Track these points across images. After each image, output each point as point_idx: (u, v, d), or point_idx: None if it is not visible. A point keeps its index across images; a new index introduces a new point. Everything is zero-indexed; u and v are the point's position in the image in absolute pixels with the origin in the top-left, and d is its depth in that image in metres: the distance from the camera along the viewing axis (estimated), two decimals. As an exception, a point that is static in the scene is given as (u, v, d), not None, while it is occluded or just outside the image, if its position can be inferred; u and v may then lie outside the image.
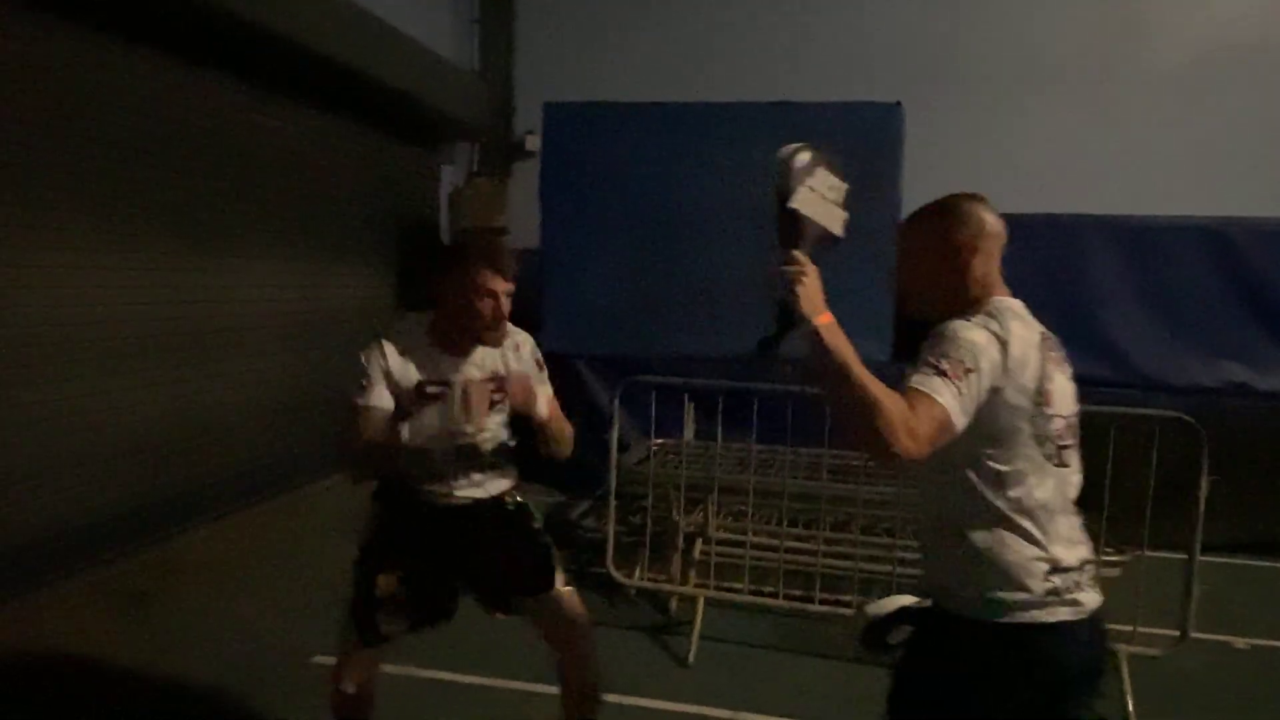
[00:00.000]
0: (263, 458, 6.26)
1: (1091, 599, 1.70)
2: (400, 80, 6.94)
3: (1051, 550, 1.66)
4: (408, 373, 2.40)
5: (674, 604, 4.37)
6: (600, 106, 7.00)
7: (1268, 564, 5.66)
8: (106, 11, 4.61)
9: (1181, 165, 7.68)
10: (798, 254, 1.66)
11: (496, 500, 2.56)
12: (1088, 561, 1.73)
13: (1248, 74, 7.81)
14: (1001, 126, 8.11)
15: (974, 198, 1.83)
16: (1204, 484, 3.45)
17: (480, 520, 2.51)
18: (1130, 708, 3.43)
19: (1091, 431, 3.90)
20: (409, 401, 2.38)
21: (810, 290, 1.63)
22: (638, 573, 4.41)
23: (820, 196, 1.72)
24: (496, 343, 2.46)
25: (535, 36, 9.20)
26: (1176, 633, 3.55)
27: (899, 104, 6.51)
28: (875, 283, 6.46)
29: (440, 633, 2.65)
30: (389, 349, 2.40)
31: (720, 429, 4.32)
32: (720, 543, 4.64)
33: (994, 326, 1.65)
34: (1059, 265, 6.41)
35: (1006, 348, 1.63)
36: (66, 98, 4.51)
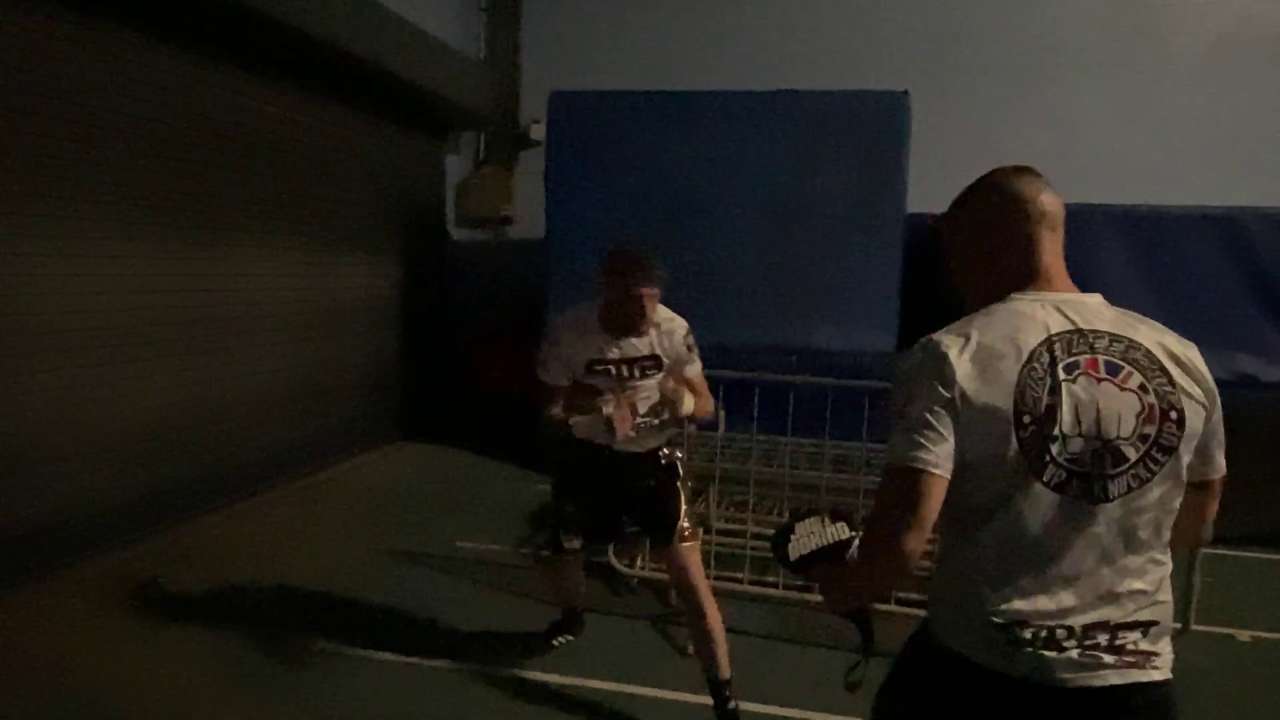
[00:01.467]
0: (272, 445, 6.31)
1: (1085, 676, 1.36)
2: (407, 69, 6.94)
3: (1015, 596, 1.37)
4: (578, 353, 3.03)
5: (674, 594, 4.37)
6: (606, 95, 6.98)
7: (1272, 556, 5.63)
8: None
9: (1197, 155, 7.62)
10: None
11: (653, 453, 3.17)
12: (1119, 632, 1.36)
13: (1265, 63, 7.72)
14: (1011, 115, 8.05)
15: (1014, 171, 1.53)
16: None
17: (638, 468, 3.15)
18: (1130, 699, 3.42)
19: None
20: (581, 375, 3.05)
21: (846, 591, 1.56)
22: (639, 562, 4.43)
23: (810, 533, 1.64)
24: (643, 333, 3.01)
25: (541, 25, 9.18)
26: (1178, 625, 3.54)
27: (906, 92, 6.45)
28: (881, 274, 6.45)
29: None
30: (563, 333, 3.07)
31: (722, 419, 4.33)
32: (722, 533, 4.65)
33: (944, 340, 1.40)
34: (1067, 256, 6.35)
35: (947, 365, 1.36)
36: (76, 87, 4.53)
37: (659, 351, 3.05)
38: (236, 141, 5.86)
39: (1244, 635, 4.29)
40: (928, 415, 1.35)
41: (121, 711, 3.23)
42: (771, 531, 1.82)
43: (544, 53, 9.14)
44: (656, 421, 3.06)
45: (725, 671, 3.10)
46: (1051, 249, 1.49)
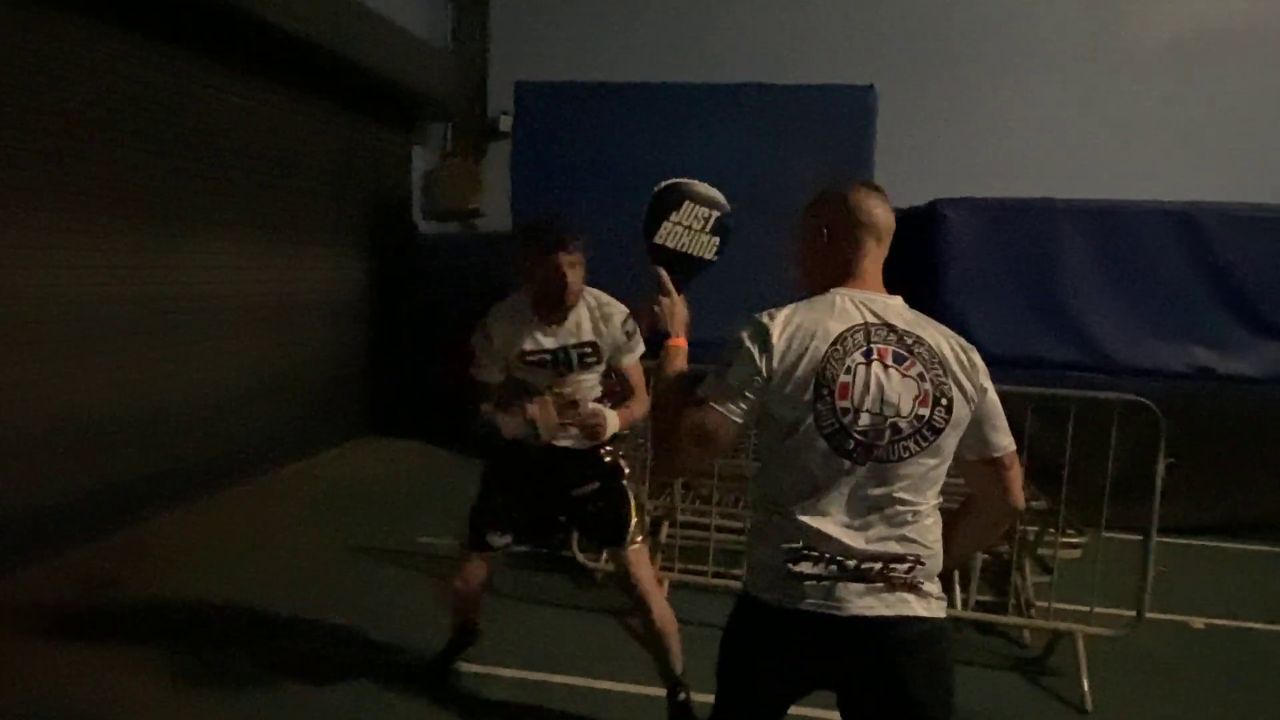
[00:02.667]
0: (233, 440, 6.21)
1: (862, 604, 1.64)
2: (372, 58, 6.85)
3: (815, 541, 1.64)
4: (511, 345, 2.89)
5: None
6: (573, 87, 6.93)
7: (1225, 545, 5.76)
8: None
9: (1158, 150, 7.74)
10: (664, 279, 1.98)
11: (594, 453, 2.97)
12: (890, 565, 1.65)
13: (1226, 59, 7.86)
14: (976, 110, 8.13)
15: (861, 186, 1.79)
16: (1160, 466, 3.49)
17: (578, 466, 2.95)
18: (1086, 688, 3.47)
19: (1053, 415, 3.99)
20: (516, 370, 2.92)
21: (671, 313, 1.96)
22: (604, 557, 4.41)
23: (686, 228, 2.01)
24: (571, 305, 2.86)
25: (510, 15, 9.10)
26: (1133, 613, 3.60)
27: (872, 87, 6.49)
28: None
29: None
30: (494, 325, 2.92)
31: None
32: (686, 526, 4.65)
33: (768, 317, 1.67)
34: (1028, 248, 6.44)
35: (768, 339, 1.64)
36: (30, 76, 4.42)
37: (595, 338, 2.90)
38: (196, 132, 5.74)
39: (1198, 622, 4.37)
40: (741, 372, 1.65)
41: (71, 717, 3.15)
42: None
43: (512, 43, 9.06)
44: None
45: (678, 666, 3.07)
46: (874, 255, 1.77)
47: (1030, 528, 4.16)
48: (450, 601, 3.30)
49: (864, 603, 1.64)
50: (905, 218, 8.40)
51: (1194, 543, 5.63)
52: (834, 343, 1.63)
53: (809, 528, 1.65)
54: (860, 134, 6.44)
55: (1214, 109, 7.81)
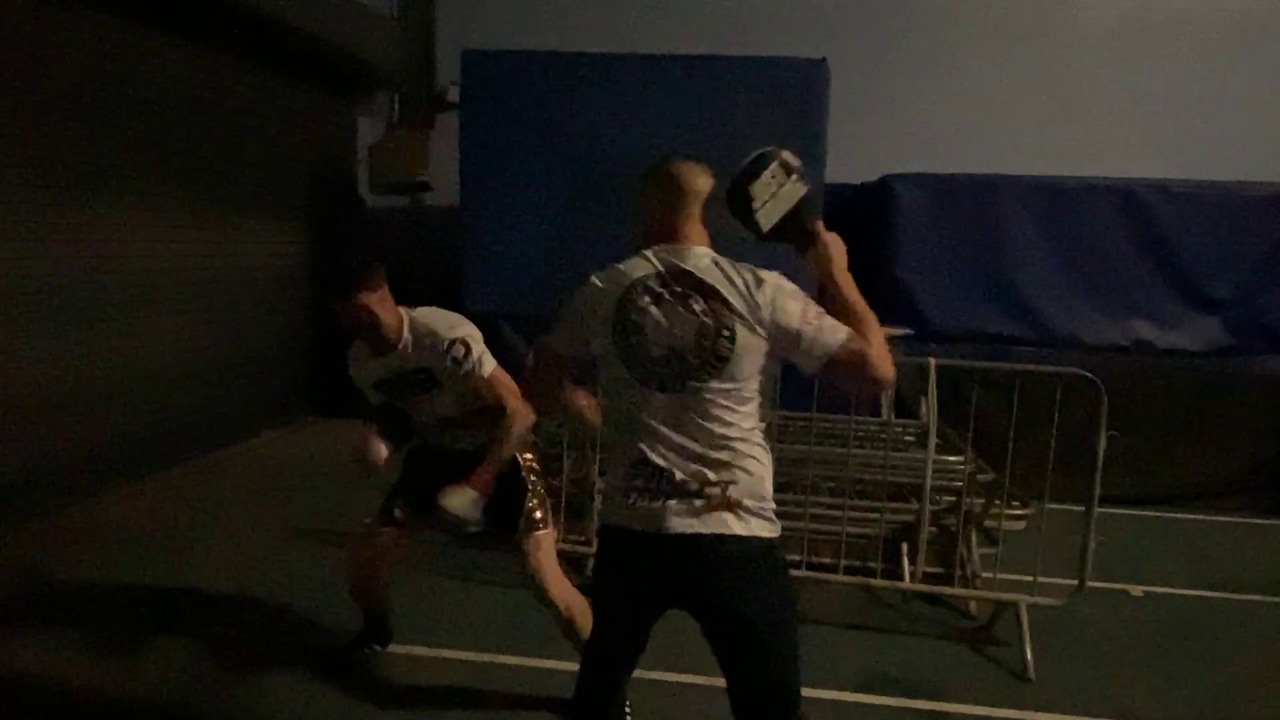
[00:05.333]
0: (170, 421, 6.03)
1: (682, 523, 1.83)
2: (313, 24, 6.63)
3: (634, 466, 1.88)
4: (364, 378, 3.04)
5: (590, 566, 4.35)
6: (523, 55, 6.79)
7: (1162, 515, 5.93)
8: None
9: (1108, 127, 7.87)
10: (818, 246, 2.03)
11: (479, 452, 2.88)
12: (705, 486, 1.84)
13: (1173, 38, 7.99)
14: (928, 85, 8.17)
15: (678, 159, 2.02)
16: (1102, 439, 3.55)
17: (475, 462, 2.81)
18: (1029, 656, 3.55)
19: (998, 389, 4.03)
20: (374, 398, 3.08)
21: (829, 256, 2.01)
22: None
23: (773, 196, 1.99)
24: (393, 343, 2.88)
25: (457, -19, 8.87)
26: (1075, 582, 3.68)
27: (824, 60, 6.46)
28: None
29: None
30: (350, 365, 3.07)
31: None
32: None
33: (595, 276, 1.98)
34: (977, 224, 6.51)
35: (586, 288, 1.98)
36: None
37: (423, 363, 2.87)
38: (127, 98, 5.50)
39: (1136, 590, 4.49)
40: (567, 318, 2.02)
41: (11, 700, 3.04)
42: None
43: (461, 10, 8.85)
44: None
45: None
46: (683, 218, 1.98)
47: (976, 500, 4.23)
48: (349, 577, 3.21)
49: (684, 522, 1.84)
50: (856, 193, 8.52)
51: (1134, 513, 5.78)
52: (629, 287, 1.91)
53: (635, 454, 1.89)
54: (812, 107, 6.42)
55: (1161, 87, 7.95)
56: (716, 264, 1.92)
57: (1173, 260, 6.41)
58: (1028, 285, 6.49)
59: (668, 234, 1.97)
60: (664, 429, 1.87)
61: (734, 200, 2.00)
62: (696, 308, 1.86)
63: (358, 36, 7.41)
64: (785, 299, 1.87)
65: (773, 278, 1.90)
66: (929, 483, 3.97)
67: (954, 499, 4.24)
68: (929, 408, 4.11)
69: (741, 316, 1.85)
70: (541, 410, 2.62)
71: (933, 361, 4.00)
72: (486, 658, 3.47)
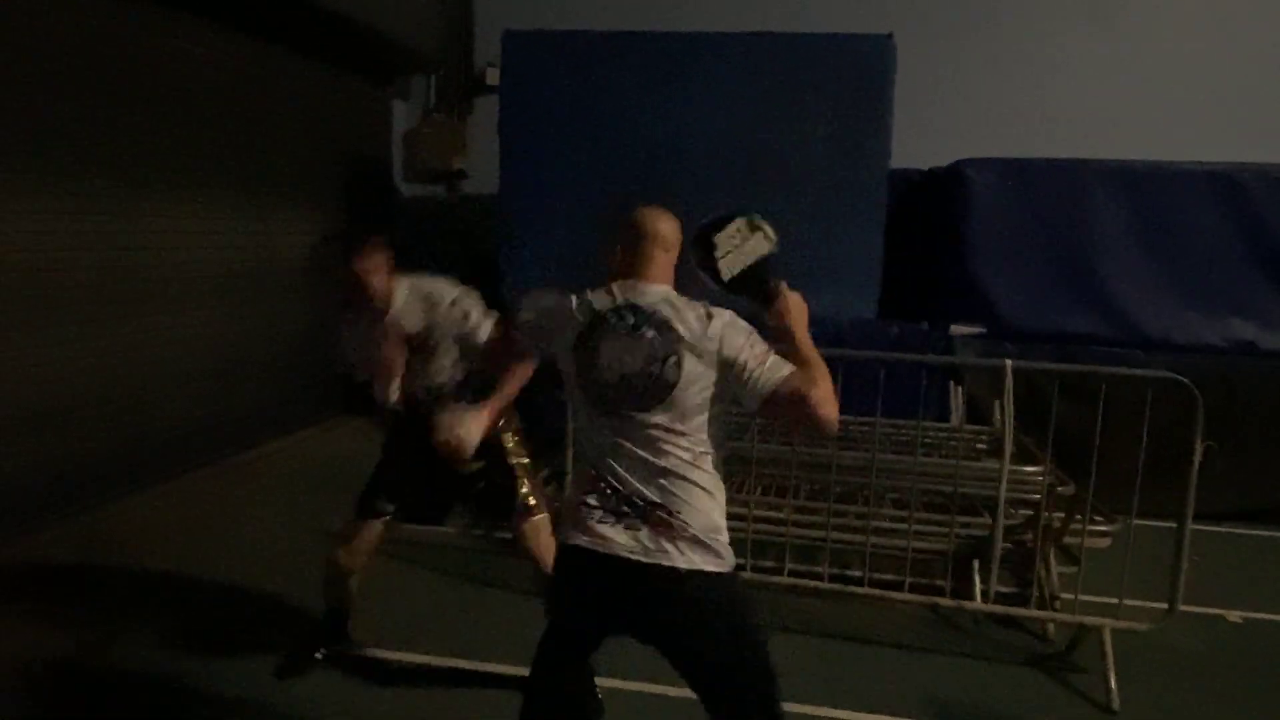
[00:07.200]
0: (202, 420, 6.19)
1: (627, 547, 1.99)
2: (348, 5, 6.72)
3: (589, 486, 2.07)
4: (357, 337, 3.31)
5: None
6: (566, 36, 6.82)
7: (1265, 533, 5.73)
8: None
9: (1195, 108, 7.63)
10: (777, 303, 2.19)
11: None
12: (649, 510, 2.01)
13: (1264, 13, 7.73)
14: (1002, 63, 8.01)
15: (645, 208, 2.27)
16: (1198, 449, 3.44)
17: None
18: (1113, 685, 3.45)
19: (1080, 393, 3.93)
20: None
21: (789, 311, 2.18)
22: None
23: (736, 248, 2.20)
24: (383, 306, 3.21)
25: (497, -42, 8.93)
26: (1164, 605, 3.58)
27: (890, 36, 6.37)
28: (862, 234, 6.40)
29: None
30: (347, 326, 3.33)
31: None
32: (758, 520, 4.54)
33: (570, 297, 2.21)
34: (1057, 213, 6.36)
35: (562, 304, 2.21)
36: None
37: (420, 326, 3.21)
38: (160, 87, 5.65)
39: (1234, 616, 4.35)
40: (538, 319, 2.31)
41: (32, 708, 3.14)
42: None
43: (500, -11, 8.91)
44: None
45: None
46: (659, 260, 2.22)
47: (1055, 514, 4.13)
48: (329, 571, 3.37)
49: (629, 547, 2.00)
50: (925, 179, 8.40)
51: (1231, 530, 5.60)
52: (594, 316, 2.13)
53: (590, 473, 2.09)
54: (877, 88, 6.33)
55: (1257, 65, 7.69)
56: (670, 300, 2.14)
57: (1276, 253, 6.19)
58: (1113, 280, 6.32)
59: (628, 272, 2.20)
60: (616, 453, 2.05)
61: (698, 247, 2.20)
62: (648, 335, 2.07)
63: (393, 18, 7.50)
64: (733, 333, 2.06)
65: (724, 314, 2.09)
66: (1003, 495, 3.89)
67: (1031, 513, 4.15)
68: (1004, 413, 4.03)
69: (690, 346, 2.04)
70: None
71: (1008, 363, 3.92)
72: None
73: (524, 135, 6.77)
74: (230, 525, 5.13)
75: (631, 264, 2.22)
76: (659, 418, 2.04)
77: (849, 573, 4.11)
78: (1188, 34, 7.85)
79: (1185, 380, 3.51)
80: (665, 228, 2.24)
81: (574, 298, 2.22)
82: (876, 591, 3.91)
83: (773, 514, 4.37)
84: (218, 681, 3.36)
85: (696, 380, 2.04)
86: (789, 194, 6.42)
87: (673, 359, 2.04)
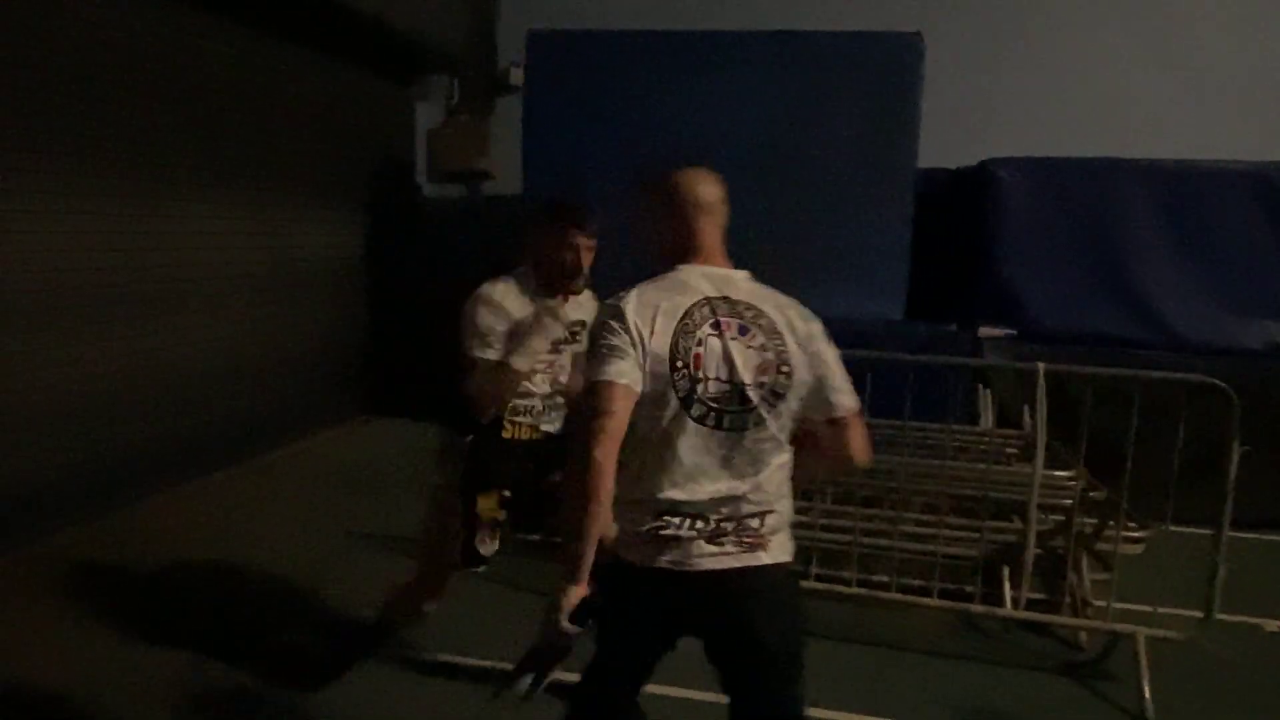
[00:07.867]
0: (225, 420, 6.26)
1: (714, 560, 1.90)
2: (370, 4, 6.79)
3: (676, 504, 1.89)
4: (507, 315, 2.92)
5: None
6: (591, 35, 6.85)
7: (1305, 540, 5.67)
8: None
9: (1231, 106, 7.56)
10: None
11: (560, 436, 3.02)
12: (743, 522, 1.92)
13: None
14: (1033, 60, 7.96)
15: (682, 169, 2.07)
16: (1234, 454, 3.42)
17: (552, 453, 2.93)
18: (1147, 695, 3.44)
19: (1113, 397, 3.91)
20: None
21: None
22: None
23: None
24: (579, 290, 2.98)
25: (520, -43, 8.98)
26: (1200, 614, 3.55)
27: (918, 34, 6.35)
28: (889, 234, 6.38)
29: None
30: (491, 301, 2.93)
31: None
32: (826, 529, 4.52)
33: (621, 300, 1.92)
34: (1088, 214, 6.33)
35: (625, 318, 1.88)
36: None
37: (581, 316, 3.08)
38: (182, 87, 5.73)
39: (1272, 625, 4.31)
40: (615, 346, 1.86)
41: (59, 712, 3.20)
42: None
43: (524, -13, 8.96)
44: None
45: None
46: (710, 232, 2.04)
47: (1088, 520, 4.11)
48: (425, 587, 3.26)
49: (716, 559, 1.90)
50: (953, 179, 8.37)
51: (1270, 538, 5.54)
52: (683, 317, 1.90)
53: (670, 491, 1.89)
54: (904, 87, 6.32)
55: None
56: (759, 291, 2.01)
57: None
58: (1147, 281, 6.27)
59: (692, 251, 2.02)
60: (707, 466, 1.90)
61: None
62: (756, 341, 1.93)
63: (416, 17, 7.57)
64: (825, 344, 1.99)
65: (814, 317, 2.01)
66: (1035, 500, 3.88)
67: (1063, 518, 4.13)
68: (1037, 417, 4.02)
69: (798, 353, 1.94)
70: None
71: (1041, 366, 3.91)
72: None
73: (548, 135, 6.81)
74: (256, 525, 5.20)
75: (690, 241, 2.02)
76: (762, 430, 1.92)
77: (876, 578, 4.12)
78: (1221, 29, 7.77)
79: (1222, 384, 3.49)
80: (715, 193, 2.06)
81: (632, 301, 1.91)
82: (905, 597, 3.92)
83: (800, 518, 4.36)
84: (244, 681, 3.41)
85: (801, 389, 1.95)
86: (816, 193, 6.43)
87: (784, 368, 1.92)
